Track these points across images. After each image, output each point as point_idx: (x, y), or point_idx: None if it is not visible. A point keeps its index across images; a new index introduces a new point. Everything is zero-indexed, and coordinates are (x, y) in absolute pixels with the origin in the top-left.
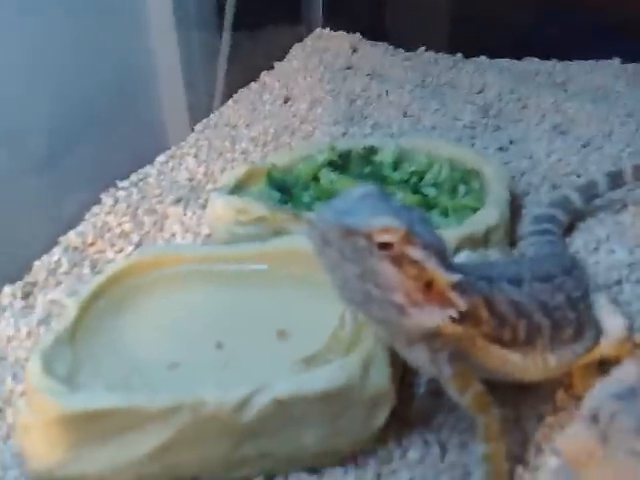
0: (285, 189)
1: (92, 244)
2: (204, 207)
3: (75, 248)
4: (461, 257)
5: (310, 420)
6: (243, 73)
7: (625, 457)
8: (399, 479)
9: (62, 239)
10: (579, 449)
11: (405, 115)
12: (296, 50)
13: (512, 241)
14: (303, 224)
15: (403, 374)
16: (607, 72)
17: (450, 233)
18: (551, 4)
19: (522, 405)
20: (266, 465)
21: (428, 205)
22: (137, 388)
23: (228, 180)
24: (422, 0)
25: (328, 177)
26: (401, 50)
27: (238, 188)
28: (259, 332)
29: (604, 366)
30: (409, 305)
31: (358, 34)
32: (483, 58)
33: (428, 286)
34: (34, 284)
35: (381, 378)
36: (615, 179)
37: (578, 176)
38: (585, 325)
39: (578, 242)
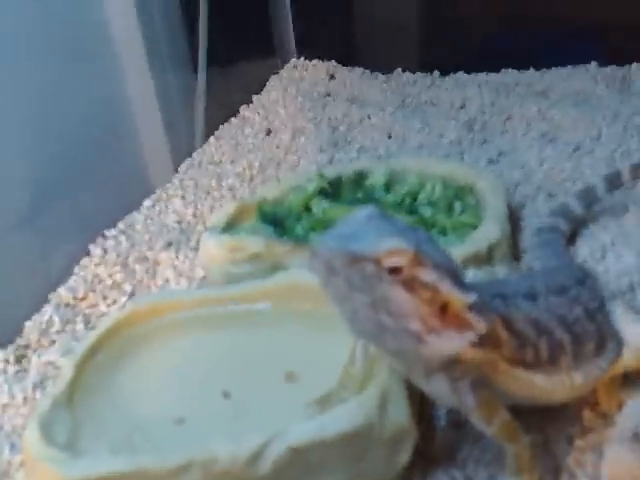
0: (278, 222)
1: (84, 298)
2: (196, 249)
3: (66, 304)
4: (468, 276)
5: (330, 466)
6: (222, 109)
7: None
8: None
9: (52, 296)
10: (624, 474)
11: (390, 137)
12: (273, 82)
13: (515, 255)
14: (304, 254)
15: (421, 408)
16: (585, 77)
17: (453, 252)
18: (521, 14)
19: (548, 428)
20: None
21: (425, 225)
22: (142, 448)
23: (218, 219)
24: (393, 22)
25: (320, 206)
26: (378, 73)
27: (229, 226)
28: (267, 376)
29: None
30: (426, 332)
31: (333, 61)
32: (460, 74)
33: (443, 309)
34: (27, 346)
35: (401, 413)
36: (613, 181)
37: (574, 182)
38: (606, 337)
39: (583, 250)
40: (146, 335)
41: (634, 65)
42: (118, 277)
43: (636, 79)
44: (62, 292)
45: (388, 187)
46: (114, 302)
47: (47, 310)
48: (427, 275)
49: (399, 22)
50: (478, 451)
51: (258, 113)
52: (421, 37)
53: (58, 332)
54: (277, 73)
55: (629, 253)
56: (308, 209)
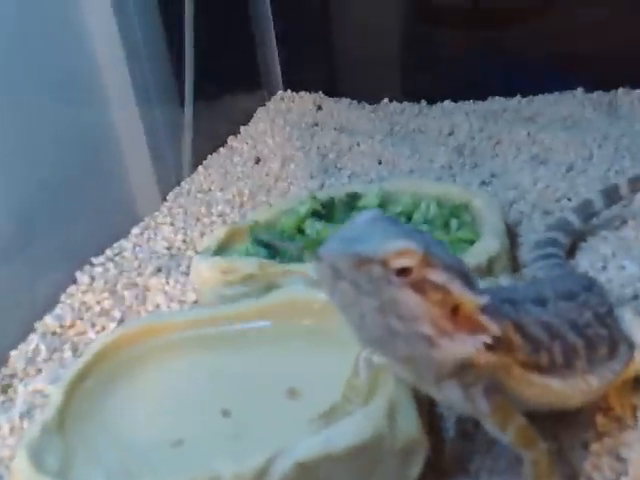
0: (270, 245)
1: (71, 326)
2: (187, 274)
3: (53, 332)
4: None
5: None
6: (209, 141)
7: None
8: None
9: (38, 324)
10: None
11: (380, 163)
12: (260, 113)
13: (515, 269)
14: (298, 274)
15: (429, 420)
16: (572, 102)
17: None
18: (505, 43)
19: (563, 435)
20: None
21: None
22: (140, 472)
23: (209, 243)
24: (378, 53)
25: (314, 227)
26: (365, 103)
27: (221, 250)
28: (267, 394)
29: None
30: (438, 335)
31: (320, 92)
32: (447, 102)
33: (454, 312)
34: (13, 376)
35: (411, 424)
36: (610, 195)
37: (569, 199)
38: (618, 340)
39: (584, 262)
40: (139, 357)
41: (620, 90)
42: (106, 304)
43: (622, 103)
44: (48, 320)
45: (382, 207)
46: (103, 329)
47: (33, 339)
48: (437, 276)
49: (384, 53)
50: (490, 461)
51: (246, 143)
52: (407, 67)
53: (45, 360)
54: (264, 105)
55: (631, 263)
56: (301, 231)
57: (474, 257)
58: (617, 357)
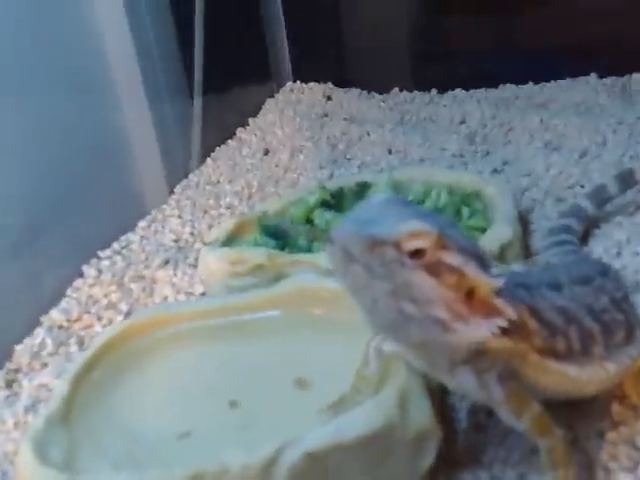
0: (279, 235)
1: (77, 320)
2: (195, 266)
3: (59, 326)
4: None
5: (349, 471)
6: (218, 133)
7: None
8: None
9: (44, 318)
10: None
11: (390, 152)
12: (269, 105)
13: (527, 256)
14: (307, 265)
15: (441, 410)
16: (585, 88)
17: None
18: (516, 30)
19: (578, 424)
20: None
21: None
22: (147, 463)
23: (218, 234)
24: (388, 43)
25: (323, 217)
26: (374, 93)
27: (229, 241)
28: (275, 384)
29: None
30: (453, 319)
31: (329, 83)
32: (458, 91)
33: (468, 295)
34: (17, 370)
35: (423, 413)
36: (625, 180)
37: (582, 186)
38: (634, 326)
39: (598, 249)
40: (147, 348)
41: (634, 75)
42: (114, 297)
43: (636, 88)
44: (54, 314)
45: None
46: (110, 322)
47: (39, 333)
48: (452, 258)
49: (394, 42)
50: (504, 452)
51: (255, 135)
52: (417, 56)
53: (51, 354)
54: (273, 97)
55: None
56: (310, 221)
57: (486, 244)
58: (634, 342)
